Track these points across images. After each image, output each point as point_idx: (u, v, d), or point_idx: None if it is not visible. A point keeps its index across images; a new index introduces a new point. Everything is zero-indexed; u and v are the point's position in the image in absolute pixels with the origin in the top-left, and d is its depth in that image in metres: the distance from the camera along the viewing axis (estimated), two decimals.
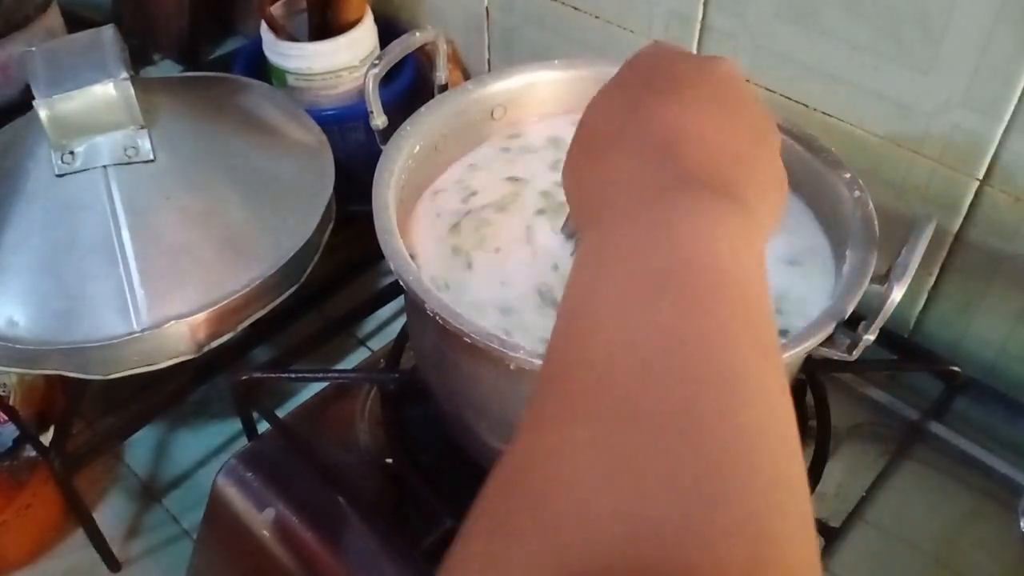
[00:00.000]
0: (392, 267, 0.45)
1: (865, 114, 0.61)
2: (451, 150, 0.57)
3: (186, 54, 1.05)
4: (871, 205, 0.49)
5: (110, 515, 0.72)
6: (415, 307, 0.46)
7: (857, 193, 0.50)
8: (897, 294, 0.41)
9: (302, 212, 0.70)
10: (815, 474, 0.56)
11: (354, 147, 0.87)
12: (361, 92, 0.88)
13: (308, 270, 0.70)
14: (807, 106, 0.64)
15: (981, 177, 0.58)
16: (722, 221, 0.29)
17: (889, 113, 0.60)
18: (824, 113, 0.64)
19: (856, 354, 0.44)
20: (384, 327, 0.84)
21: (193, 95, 0.75)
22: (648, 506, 0.21)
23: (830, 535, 0.54)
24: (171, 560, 0.70)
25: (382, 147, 0.54)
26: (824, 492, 0.57)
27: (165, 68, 1.06)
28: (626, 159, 0.33)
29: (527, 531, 0.22)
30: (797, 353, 0.42)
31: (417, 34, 0.56)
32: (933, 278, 0.64)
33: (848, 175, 0.51)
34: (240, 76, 0.83)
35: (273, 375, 0.62)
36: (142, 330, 0.62)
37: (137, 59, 1.02)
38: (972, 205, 0.60)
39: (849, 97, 0.62)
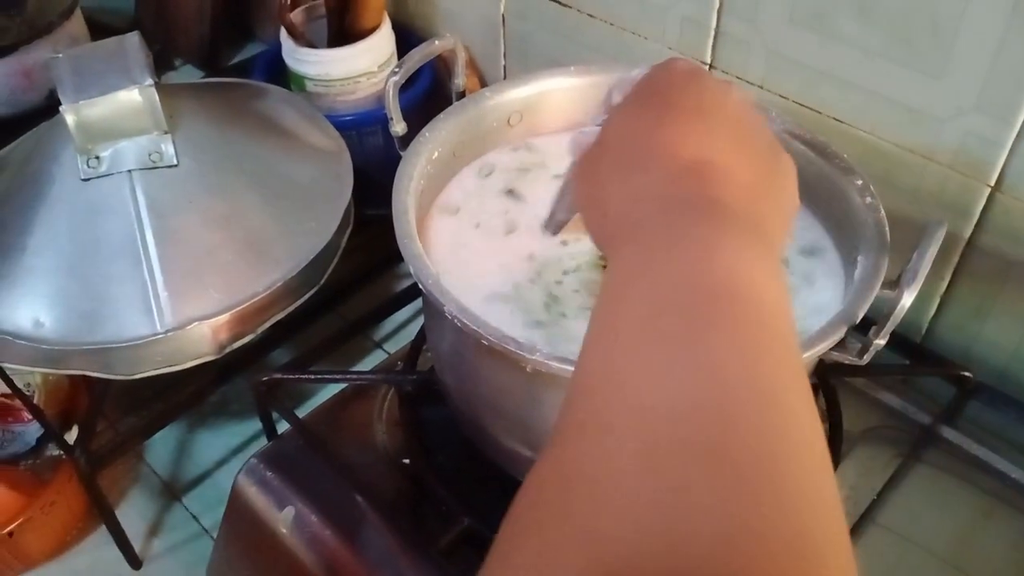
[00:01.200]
0: (412, 271, 0.46)
1: (878, 120, 0.62)
2: (468, 156, 0.58)
3: (207, 60, 1.06)
4: (882, 211, 0.50)
5: (131, 514, 0.73)
6: (433, 310, 0.47)
7: (869, 199, 0.51)
8: (908, 299, 0.42)
9: (321, 216, 0.72)
10: None
11: (372, 151, 0.89)
12: (379, 97, 0.90)
13: (327, 273, 0.71)
14: (820, 112, 0.65)
15: (993, 183, 0.59)
16: (754, 254, 0.30)
17: (902, 118, 0.61)
18: (836, 119, 0.64)
19: (867, 358, 0.44)
20: (400, 329, 0.86)
21: (214, 100, 0.76)
22: (688, 504, 0.22)
23: None
24: (191, 558, 0.71)
25: (401, 153, 0.55)
26: None
27: (186, 73, 1.07)
28: (655, 179, 0.34)
29: (566, 531, 0.23)
30: (809, 357, 0.43)
31: (436, 42, 0.57)
32: (945, 283, 0.64)
33: (860, 181, 0.52)
34: (260, 82, 0.85)
35: (293, 376, 0.63)
36: (165, 331, 0.63)
37: (159, 65, 1.03)
38: (984, 211, 0.60)
39: (862, 102, 0.62)
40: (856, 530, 0.56)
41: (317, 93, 0.87)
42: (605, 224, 0.36)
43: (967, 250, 0.62)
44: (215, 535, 0.72)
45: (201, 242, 0.66)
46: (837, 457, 0.59)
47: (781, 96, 0.67)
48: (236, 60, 1.08)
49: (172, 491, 0.76)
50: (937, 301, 0.66)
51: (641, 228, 0.33)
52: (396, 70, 0.54)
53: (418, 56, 0.55)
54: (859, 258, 0.49)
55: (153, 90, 0.65)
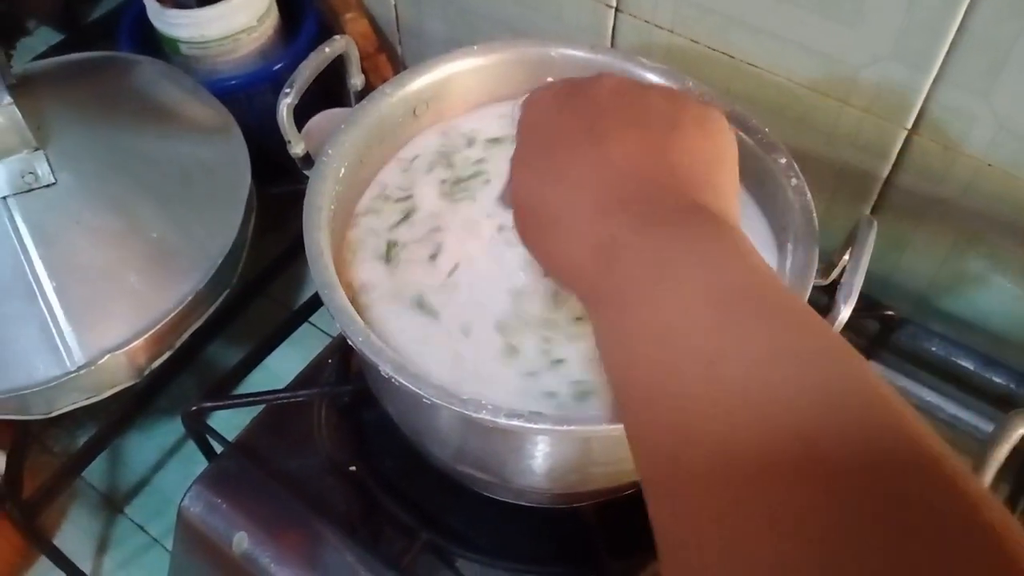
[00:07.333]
0: (339, 327, 0.44)
1: (793, 65, 0.60)
2: (377, 160, 0.55)
3: (63, 19, 0.96)
4: (808, 194, 0.49)
5: (75, 533, 0.72)
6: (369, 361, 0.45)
7: (794, 181, 0.50)
8: (845, 313, 0.42)
9: (223, 209, 0.67)
10: None
11: (263, 112, 0.81)
12: (263, 53, 0.83)
13: (239, 270, 0.67)
14: (733, 57, 0.63)
15: (910, 127, 0.58)
16: (743, 242, 0.33)
17: (816, 65, 0.59)
18: (751, 64, 0.62)
19: None
20: None
21: (82, 92, 0.69)
22: None
23: None
24: (147, 570, 0.70)
25: (305, 173, 0.51)
26: None
27: (43, 37, 0.97)
28: (637, 185, 0.35)
29: None
30: None
31: (327, 48, 0.52)
32: None
33: (783, 160, 0.50)
34: (129, 54, 0.77)
35: (221, 404, 0.60)
36: (77, 369, 0.59)
37: (11, 30, 0.93)
38: (901, 152, 0.60)
39: (776, 49, 0.60)
40: None
41: (194, 56, 0.80)
42: (554, 231, 0.37)
43: (885, 188, 0.62)
44: (166, 544, 0.71)
45: (98, 265, 0.62)
46: None
47: (692, 40, 0.64)
48: (97, 15, 0.97)
49: (113, 503, 0.74)
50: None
51: (629, 236, 0.33)
52: (287, 91, 0.50)
53: (308, 71, 0.50)
54: (788, 245, 0.49)
55: (14, 108, 0.58)
